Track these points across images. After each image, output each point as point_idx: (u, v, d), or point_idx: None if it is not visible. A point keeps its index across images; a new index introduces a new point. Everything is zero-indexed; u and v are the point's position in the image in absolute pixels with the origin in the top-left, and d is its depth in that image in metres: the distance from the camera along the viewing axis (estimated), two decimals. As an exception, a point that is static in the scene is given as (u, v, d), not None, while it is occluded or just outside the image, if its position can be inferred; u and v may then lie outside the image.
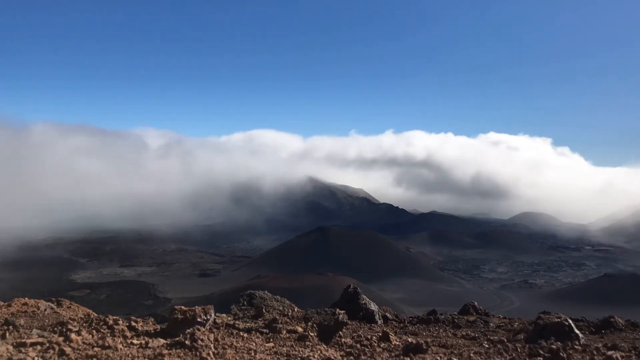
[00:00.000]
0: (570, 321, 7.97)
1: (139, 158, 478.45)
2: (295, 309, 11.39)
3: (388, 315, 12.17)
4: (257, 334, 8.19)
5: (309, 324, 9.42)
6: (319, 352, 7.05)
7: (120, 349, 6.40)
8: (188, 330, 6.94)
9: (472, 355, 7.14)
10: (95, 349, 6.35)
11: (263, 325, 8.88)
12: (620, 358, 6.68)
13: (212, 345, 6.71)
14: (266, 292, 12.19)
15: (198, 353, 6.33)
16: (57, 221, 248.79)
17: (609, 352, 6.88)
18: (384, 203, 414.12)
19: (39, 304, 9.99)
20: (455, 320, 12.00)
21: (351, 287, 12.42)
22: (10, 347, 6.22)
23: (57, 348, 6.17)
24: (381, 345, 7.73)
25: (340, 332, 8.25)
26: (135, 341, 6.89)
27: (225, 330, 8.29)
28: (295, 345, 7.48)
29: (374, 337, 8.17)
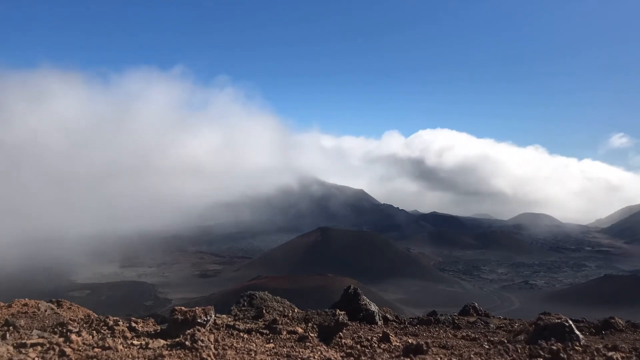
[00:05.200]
0: (571, 322, 7.96)
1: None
2: (296, 310, 11.39)
3: (388, 316, 12.16)
4: (258, 334, 8.19)
5: (309, 324, 9.42)
6: (319, 353, 7.05)
7: (121, 350, 6.40)
8: (188, 331, 6.94)
9: (472, 356, 7.14)
10: (96, 349, 6.35)
11: (263, 326, 8.88)
12: (620, 359, 6.68)
13: (212, 346, 6.71)
14: (266, 292, 12.18)
15: (198, 354, 6.33)
16: (57, 220, 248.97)
17: (610, 353, 6.87)
18: (384, 203, 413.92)
19: (39, 305, 9.99)
20: (456, 321, 11.99)
21: (351, 287, 12.41)
22: (11, 348, 6.22)
23: (57, 349, 6.17)
24: (381, 346, 7.73)
25: (340, 333, 8.24)
26: (135, 342, 6.89)
27: (226, 331, 8.30)
28: (296, 346, 7.48)
29: (374, 338, 8.17)
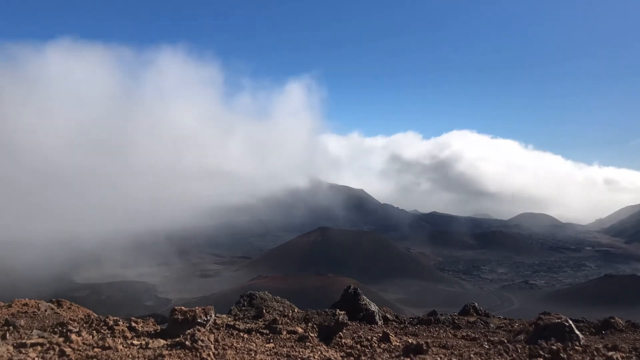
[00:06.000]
0: (571, 322, 7.96)
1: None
2: (296, 310, 11.40)
3: (388, 316, 12.16)
4: (258, 334, 8.19)
5: (309, 324, 9.43)
6: (319, 352, 7.05)
7: (121, 350, 6.41)
8: (188, 331, 6.95)
9: (472, 356, 7.14)
10: (96, 349, 6.36)
11: (263, 326, 8.88)
12: (620, 359, 6.68)
13: (212, 346, 6.71)
14: (266, 292, 12.19)
15: (198, 354, 6.33)
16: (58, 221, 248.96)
17: (610, 353, 6.87)
18: (384, 203, 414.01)
19: (39, 305, 9.99)
20: (456, 321, 11.99)
21: (351, 287, 12.42)
22: (11, 348, 6.23)
23: (57, 349, 6.17)
24: (381, 346, 7.73)
25: (340, 333, 8.24)
26: (135, 342, 6.89)
27: (226, 331, 8.30)
28: (296, 346, 7.48)
29: (374, 338, 8.17)
